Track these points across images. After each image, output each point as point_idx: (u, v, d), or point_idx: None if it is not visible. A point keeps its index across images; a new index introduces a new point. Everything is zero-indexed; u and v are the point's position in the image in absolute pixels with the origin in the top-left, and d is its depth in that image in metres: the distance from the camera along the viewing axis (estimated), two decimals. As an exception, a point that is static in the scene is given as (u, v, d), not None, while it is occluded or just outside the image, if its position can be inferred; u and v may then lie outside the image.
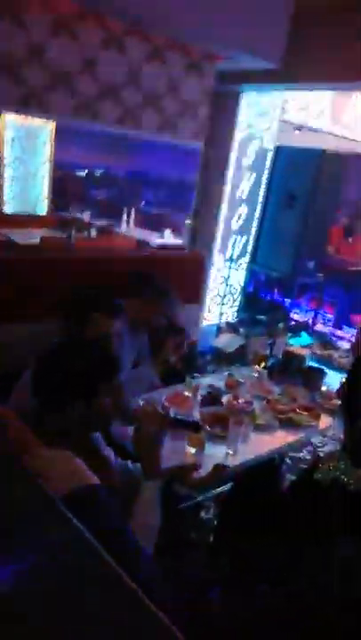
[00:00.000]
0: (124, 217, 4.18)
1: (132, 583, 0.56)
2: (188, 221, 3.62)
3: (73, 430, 1.31)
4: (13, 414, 1.18)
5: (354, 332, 4.48)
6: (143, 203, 5.32)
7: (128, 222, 4.10)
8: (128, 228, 4.05)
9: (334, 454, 1.61)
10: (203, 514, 2.17)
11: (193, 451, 1.80)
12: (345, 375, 1.51)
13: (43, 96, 2.23)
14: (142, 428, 1.40)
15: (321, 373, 2.59)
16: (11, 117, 4.32)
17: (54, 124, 4.23)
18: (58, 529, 0.65)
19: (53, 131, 4.51)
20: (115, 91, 2.50)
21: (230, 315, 4.21)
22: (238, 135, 3.80)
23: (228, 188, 3.86)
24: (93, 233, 3.22)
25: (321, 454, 2.13)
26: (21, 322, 1.99)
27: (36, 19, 2.09)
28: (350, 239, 5.41)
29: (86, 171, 6.02)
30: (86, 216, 4.30)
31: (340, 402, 1.84)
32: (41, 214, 4.67)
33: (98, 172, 6.08)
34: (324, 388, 2.45)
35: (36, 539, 0.63)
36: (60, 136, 4.66)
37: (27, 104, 2.19)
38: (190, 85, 2.90)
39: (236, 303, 4.26)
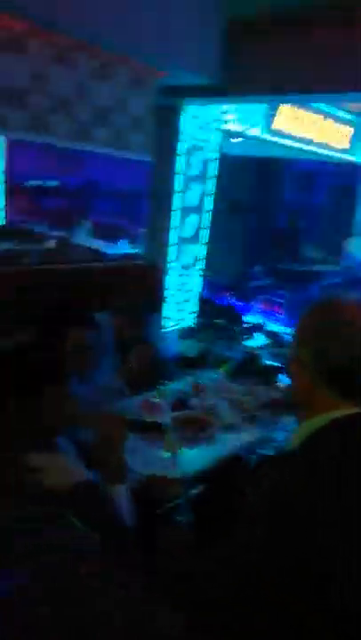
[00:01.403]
0: (79, 227, 4.18)
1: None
2: (143, 231, 3.68)
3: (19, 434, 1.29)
4: None
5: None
6: (97, 213, 5.31)
7: (83, 232, 4.10)
8: (83, 238, 4.06)
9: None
10: (178, 517, 2.22)
11: (167, 455, 1.85)
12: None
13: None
14: (100, 433, 1.39)
15: (277, 370, 2.72)
16: None
17: (4, 137, 4.13)
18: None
19: (4, 144, 4.41)
20: (66, 106, 2.53)
21: (189, 321, 4.29)
22: (183, 146, 3.91)
23: (176, 198, 3.95)
24: (51, 244, 3.19)
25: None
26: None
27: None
28: (294, 241, 5.69)
29: (39, 182, 5.94)
30: (41, 227, 4.27)
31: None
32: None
33: (51, 184, 6.03)
34: (280, 385, 2.57)
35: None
36: (13, 148, 4.59)
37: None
38: (136, 100, 2.97)
39: (194, 309, 4.35)
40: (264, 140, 4.87)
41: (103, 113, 2.76)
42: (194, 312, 4.36)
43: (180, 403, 2.22)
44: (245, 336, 3.80)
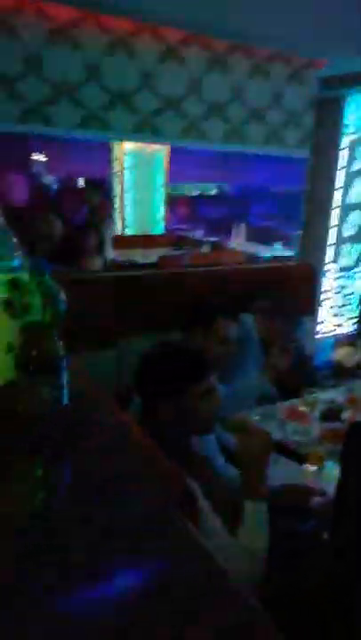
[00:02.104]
0: (234, 232, 4.28)
1: None
2: (299, 232, 3.54)
3: (167, 431, 1.30)
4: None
5: None
6: (253, 216, 5.39)
7: (238, 237, 4.17)
8: (238, 242, 4.13)
9: None
10: (325, 535, 2.03)
11: (312, 469, 1.70)
12: None
13: (153, 122, 2.36)
14: (244, 448, 1.31)
15: None
16: (130, 145, 4.69)
17: (168, 148, 4.48)
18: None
19: (167, 155, 4.79)
20: (220, 109, 2.56)
21: (348, 327, 3.97)
22: (346, 139, 3.63)
23: (337, 195, 3.68)
24: (206, 249, 3.32)
25: None
26: (151, 333, 2.08)
27: (145, 50, 2.23)
28: None
29: (199, 191, 6.34)
30: (199, 233, 4.53)
31: None
32: (158, 234, 5.00)
33: (210, 191, 6.38)
34: None
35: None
36: (174, 158, 4.95)
37: (140, 131, 2.34)
38: (293, 95, 2.85)
39: (354, 314, 4.01)
40: None
41: (258, 112, 2.72)
42: (354, 318, 4.01)
43: (332, 414, 2.04)
44: None
